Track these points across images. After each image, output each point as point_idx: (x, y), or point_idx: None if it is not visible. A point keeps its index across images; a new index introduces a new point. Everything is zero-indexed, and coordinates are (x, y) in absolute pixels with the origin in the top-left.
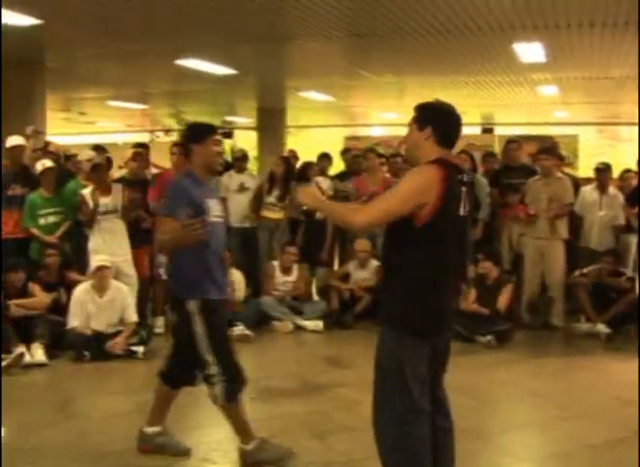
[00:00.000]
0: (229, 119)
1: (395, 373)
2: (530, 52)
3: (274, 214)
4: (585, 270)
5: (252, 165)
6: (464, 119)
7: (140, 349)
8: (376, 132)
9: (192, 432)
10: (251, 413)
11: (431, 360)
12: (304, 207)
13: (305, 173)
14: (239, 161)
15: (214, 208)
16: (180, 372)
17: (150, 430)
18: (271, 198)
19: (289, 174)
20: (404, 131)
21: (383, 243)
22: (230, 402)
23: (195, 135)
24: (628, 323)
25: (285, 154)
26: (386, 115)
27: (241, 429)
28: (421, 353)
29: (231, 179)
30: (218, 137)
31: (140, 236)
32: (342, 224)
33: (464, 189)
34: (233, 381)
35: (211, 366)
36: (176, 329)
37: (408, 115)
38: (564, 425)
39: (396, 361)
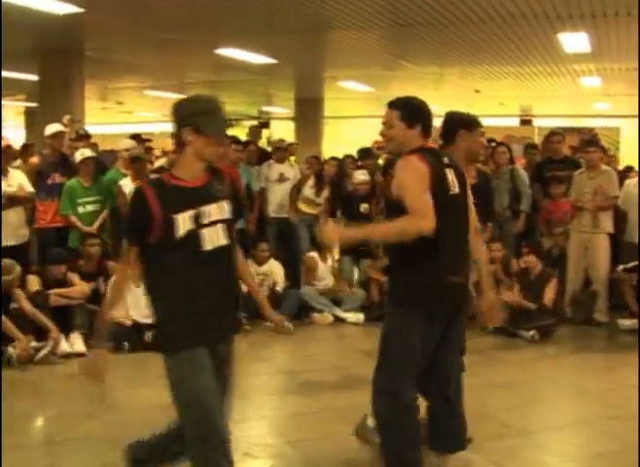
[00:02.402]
0: (265, 109)
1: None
2: (575, 41)
3: (311, 209)
4: (629, 266)
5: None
6: (502, 110)
7: None
8: None
9: (232, 426)
10: (291, 407)
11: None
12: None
13: (343, 169)
14: (280, 151)
15: None
16: None
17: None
18: (311, 194)
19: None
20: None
21: None
22: None
23: (466, 122)
24: None
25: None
26: None
27: None
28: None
29: (271, 169)
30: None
31: None
32: (408, 237)
33: (447, 170)
34: None
35: None
36: None
37: (448, 106)
38: (610, 424)
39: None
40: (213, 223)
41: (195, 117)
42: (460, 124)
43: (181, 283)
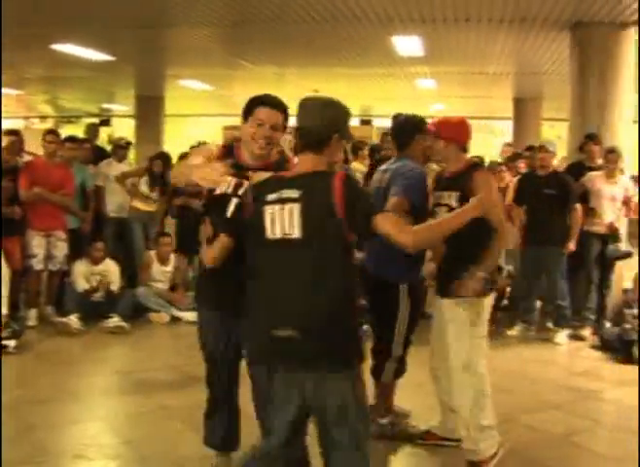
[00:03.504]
0: (106, 106)
1: None
2: (408, 45)
3: (147, 206)
4: None
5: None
6: None
7: (11, 343)
8: None
9: (64, 428)
10: (126, 407)
11: None
12: None
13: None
14: (121, 149)
15: None
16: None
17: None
18: (147, 191)
19: (168, 172)
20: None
21: None
22: (395, 379)
23: (420, 126)
24: (498, 311)
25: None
26: None
27: (385, 405)
28: None
29: (111, 168)
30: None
31: (11, 226)
32: None
33: None
34: (404, 362)
35: (397, 346)
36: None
37: (289, 105)
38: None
39: None
40: None
41: (342, 124)
42: (417, 128)
43: None
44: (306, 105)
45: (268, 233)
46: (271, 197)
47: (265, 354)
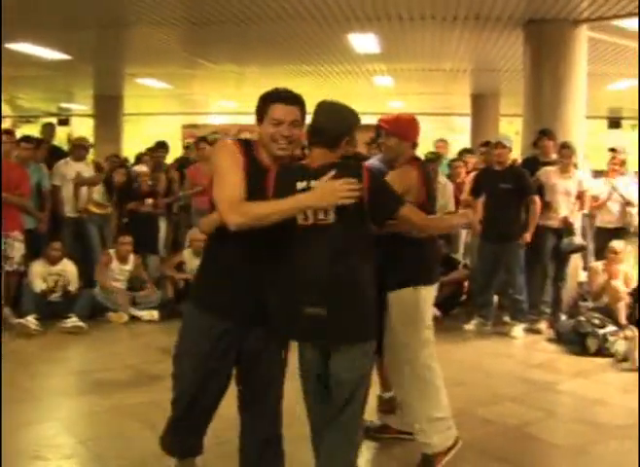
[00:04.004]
0: (65, 105)
1: None
2: (365, 42)
3: (102, 210)
4: None
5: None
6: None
7: None
8: (215, 121)
9: (21, 429)
10: (84, 406)
11: None
12: None
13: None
14: (80, 149)
15: None
16: None
17: None
18: (101, 200)
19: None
20: (242, 120)
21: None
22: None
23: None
24: (456, 306)
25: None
26: (225, 103)
27: None
28: None
29: (68, 167)
30: None
31: None
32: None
33: None
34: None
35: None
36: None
37: (247, 103)
38: None
39: None
40: None
41: (353, 128)
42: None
43: None
44: (325, 107)
45: (300, 220)
46: (301, 185)
47: (294, 331)
